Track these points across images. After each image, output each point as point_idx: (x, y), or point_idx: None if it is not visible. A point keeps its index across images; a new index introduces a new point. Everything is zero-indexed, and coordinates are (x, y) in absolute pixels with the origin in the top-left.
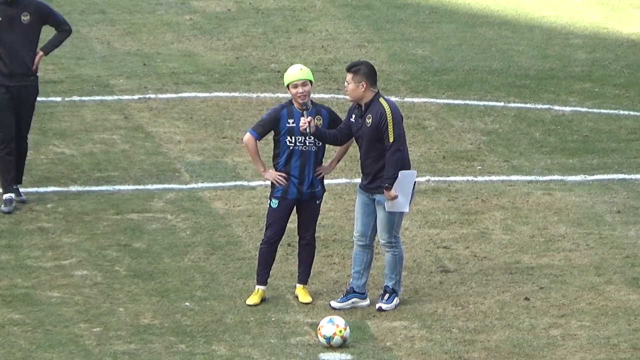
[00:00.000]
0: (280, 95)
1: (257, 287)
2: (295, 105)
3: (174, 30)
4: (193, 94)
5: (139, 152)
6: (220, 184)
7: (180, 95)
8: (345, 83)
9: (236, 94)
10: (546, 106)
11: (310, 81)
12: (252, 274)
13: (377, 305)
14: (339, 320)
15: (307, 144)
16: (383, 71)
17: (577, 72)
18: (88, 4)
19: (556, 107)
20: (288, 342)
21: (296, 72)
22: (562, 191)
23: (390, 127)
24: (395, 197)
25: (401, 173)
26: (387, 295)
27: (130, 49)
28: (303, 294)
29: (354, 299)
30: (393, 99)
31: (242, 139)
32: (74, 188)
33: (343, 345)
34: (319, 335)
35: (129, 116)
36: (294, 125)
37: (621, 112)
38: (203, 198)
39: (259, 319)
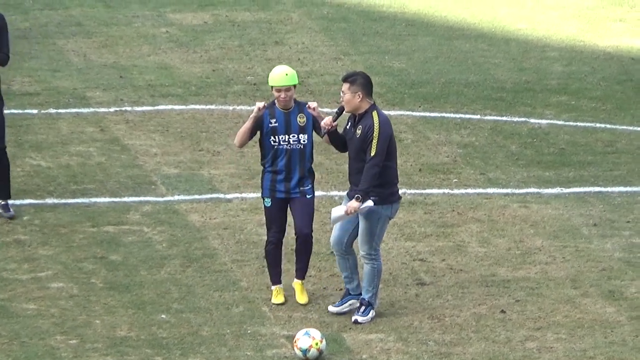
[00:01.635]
0: None
1: (274, 287)
2: (278, 105)
3: (151, 43)
4: (169, 107)
5: (115, 164)
6: (197, 196)
7: (156, 107)
8: (342, 93)
9: (212, 107)
10: (522, 119)
11: (295, 85)
12: (229, 286)
13: (353, 318)
14: (315, 333)
15: (291, 142)
16: None
17: (554, 85)
18: (64, 17)
19: (532, 120)
20: (264, 355)
21: (281, 78)
22: (539, 204)
23: (374, 141)
24: (356, 210)
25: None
26: (362, 308)
27: (107, 62)
28: (300, 291)
29: (351, 301)
30: None
31: (218, 152)
32: (50, 200)
33: (319, 358)
34: (295, 348)
35: (105, 128)
36: (276, 124)
37: (597, 125)
38: (179, 211)
39: (235, 331)
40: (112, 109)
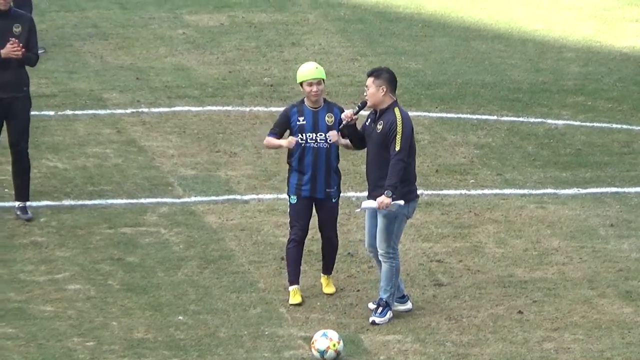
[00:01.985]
0: (273, 109)
1: (291, 287)
2: (307, 103)
3: (167, 44)
4: (186, 108)
5: (131, 166)
6: (214, 197)
7: (173, 109)
8: (366, 87)
9: (229, 108)
10: (539, 120)
11: (323, 80)
12: (246, 287)
13: (370, 319)
14: (333, 334)
15: (319, 140)
16: None
17: (570, 86)
18: (81, 18)
19: (549, 121)
20: (282, 356)
21: (312, 71)
22: (555, 204)
23: (398, 136)
24: (387, 206)
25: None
26: (380, 309)
27: (123, 63)
28: (326, 284)
29: (390, 312)
30: None
31: (235, 153)
32: (67, 202)
33: (337, 359)
34: (312, 349)
35: (121, 130)
36: (304, 122)
37: (614, 125)
38: (196, 212)
39: (253, 332)
40: (128, 111)
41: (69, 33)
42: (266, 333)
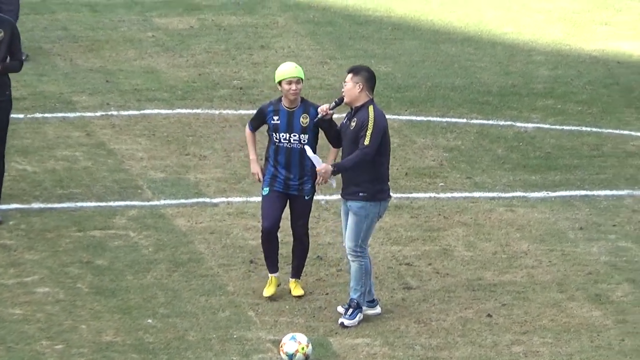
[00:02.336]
0: (243, 112)
1: (270, 275)
2: (284, 102)
3: (137, 47)
4: (155, 111)
5: (101, 169)
6: (183, 200)
7: (142, 112)
8: (344, 83)
9: (199, 111)
10: (508, 123)
11: (302, 79)
12: (215, 290)
13: (340, 321)
14: (302, 338)
15: (292, 141)
16: None
17: (540, 89)
18: (50, 21)
19: (518, 124)
20: (250, 359)
21: (291, 69)
22: (525, 208)
23: (368, 132)
24: (325, 176)
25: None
26: (350, 311)
27: (93, 66)
28: (295, 288)
29: (361, 313)
30: None
31: (204, 156)
32: (36, 205)
33: None
34: (281, 353)
35: (91, 133)
36: (278, 122)
37: (583, 128)
38: (165, 215)
39: (222, 336)
40: (98, 114)
41: (39, 36)
42: (235, 336)
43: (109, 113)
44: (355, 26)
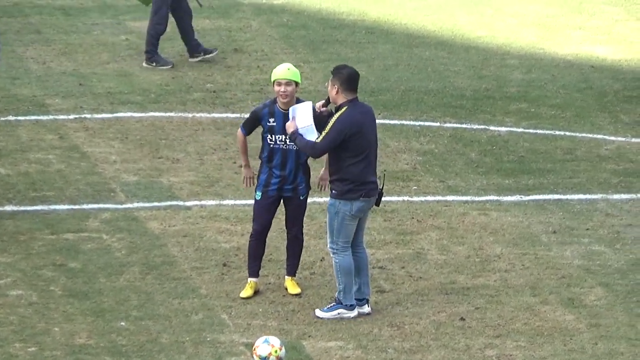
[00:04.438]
0: (216, 115)
1: (249, 279)
2: (279, 103)
3: (110, 51)
4: (129, 114)
5: (74, 172)
6: (156, 203)
7: (115, 115)
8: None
9: (172, 114)
10: (482, 126)
11: (297, 83)
12: (188, 293)
13: (315, 311)
14: (275, 340)
15: (288, 142)
16: (319, 91)
17: (513, 93)
18: (23, 24)
19: (492, 128)
20: None
21: (282, 71)
22: (498, 211)
23: (327, 129)
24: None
25: (298, 107)
26: (331, 304)
27: (66, 69)
28: (292, 286)
29: (340, 310)
30: None
31: (177, 159)
32: (8, 208)
33: None
34: (254, 355)
35: (64, 136)
36: (274, 124)
37: (557, 132)
38: (138, 218)
39: (195, 338)
40: (71, 117)
41: (12, 39)
42: (208, 339)
43: (82, 116)
44: (329, 30)
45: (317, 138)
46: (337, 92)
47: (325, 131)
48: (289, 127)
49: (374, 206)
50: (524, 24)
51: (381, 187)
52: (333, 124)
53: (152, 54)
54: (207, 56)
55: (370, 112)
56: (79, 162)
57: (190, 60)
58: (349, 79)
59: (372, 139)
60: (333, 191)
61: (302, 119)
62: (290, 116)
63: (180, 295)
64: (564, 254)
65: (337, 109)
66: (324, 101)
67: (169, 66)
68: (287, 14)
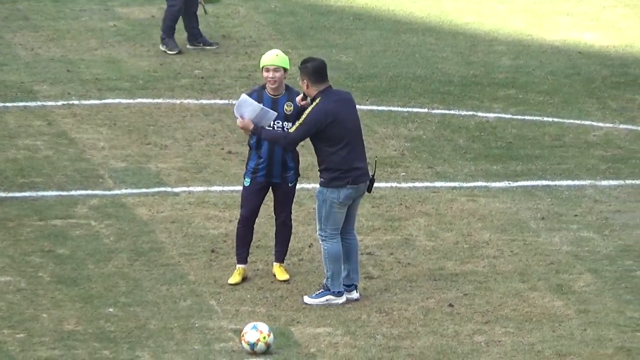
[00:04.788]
0: (204, 101)
1: (237, 266)
2: (268, 89)
3: (98, 37)
4: (117, 100)
5: (62, 158)
6: (144, 190)
7: (103, 101)
8: None
9: (160, 100)
10: (470, 112)
11: (285, 69)
12: (176, 280)
13: (304, 297)
14: (263, 327)
15: (276, 129)
16: None
17: (501, 79)
18: (11, 10)
19: (480, 114)
20: (212, 349)
21: (271, 57)
22: (486, 197)
23: (302, 119)
24: (241, 127)
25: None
26: (319, 291)
27: (54, 55)
28: (280, 272)
29: (328, 296)
30: None
31: (165, 145)
32: None
33: (267, 352)
34: (242, 342)
35: (52, 122)
36: None
37: (545, 118)
38: (127, 204)
39: (183, 325)
40: (59, 103)
41: (0, 25)
42: (196, 325)
43: (70, 102)
44: (317, 16)
45: (290, 128)
46: (308, 86)
47: (300, 122)
48: (246, 126)
49: (366, 193)
50: (512, 10)
51: (372, 174)
52: (307, 114)
53: (165, 36)
54: (206, 47)
55: (347, 99)
56: (67, 148)
57: (188, 47)
58: (314, 71)
59: (351, 126)
60: (321, 179)
61: (246, 110)
62: (237, 116)
63: (169, 281)
64: (553, 240)
65: (312, 100)
66: (302, 94)
67: (175, 52)
68: (274, 0)
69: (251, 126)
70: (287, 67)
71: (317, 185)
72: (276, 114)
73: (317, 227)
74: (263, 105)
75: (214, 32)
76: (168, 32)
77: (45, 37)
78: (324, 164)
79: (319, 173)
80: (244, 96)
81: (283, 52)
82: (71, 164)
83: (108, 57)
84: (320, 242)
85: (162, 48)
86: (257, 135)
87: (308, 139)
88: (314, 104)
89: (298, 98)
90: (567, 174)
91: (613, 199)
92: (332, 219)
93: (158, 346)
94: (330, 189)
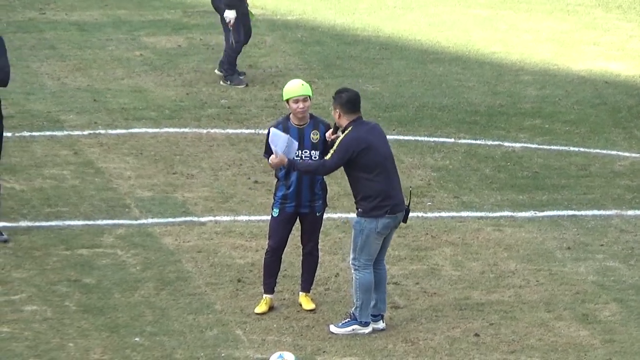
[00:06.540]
0: (230, 131)
1: (264, 295)
2: (293, 120)
3: (124, 66)
4: (143, 130)
5: (89, 187)
6: (170, 219)
7: (130, 130)
8: None
9: (186, 130)
10: (496, 142)
11: (310, 96)
12: (202, 309)
13: (330, 326)
14: (289, 356)
15: (304, 158)
16: None
17: (527, 109)
18: (38, 39)
19: (506, 144)
20: None
21: (298, 88)
22: (512, 227)
23: (333, 149)
24: (273, 164)
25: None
26: (345, 320)
27: (81, 85)
28: (306, 301)
29: (354, 326)
30: None
31: (192, 175)
32: (23, 223)
33: None
34: None
35: (79, 152)
36: None
37: (571, 148)
38: (153, 233)
39: (209, 354)
40: (86, 132)
41: (27, 54)
42: (222, 355)
43: (97, 132)
44: (343, 46)
45: (326, 156)
46: (340, 116)
47: (333, 149)
48: (281, 161)
49: (402, 223)
50: (538, 39)
51: (408, 204)
52: (340, 142)
53: (228, 73)
54: (233, 85)
55: (377, 128)
56: (94, 177)
57: (216, 72)
58: (348, 102)
59: (385, 153)
60: (359, 209)
61: (278, 144)
62: (274, 149)
63: (195, 310)
64: (578, 270)
65: (343, 130)
66: (332, 129)
67: (244, 85)
68: (301, 30)
69: (285, 160)
70: (311, 95)
71: (343, 215)
72: (297, 143)
73: (351, 257)
74: (290, 135)
75: (240, 62)
76: (233, 68)
77: (71, 66)
78: (361, 193)
79: (355, 204)
80: (273, 130)
81: (308, 82)
82: (97, 194)
83: (134, 87)
84: (352, 271)
85: (225, 83)
86: (291, 169)
87: (344, 171)
88: (346, 132)
89: (328, 133)
90: (593, 203)
91: (639, 228)
92: (368, 249)
93: None
94: (369, 219)
